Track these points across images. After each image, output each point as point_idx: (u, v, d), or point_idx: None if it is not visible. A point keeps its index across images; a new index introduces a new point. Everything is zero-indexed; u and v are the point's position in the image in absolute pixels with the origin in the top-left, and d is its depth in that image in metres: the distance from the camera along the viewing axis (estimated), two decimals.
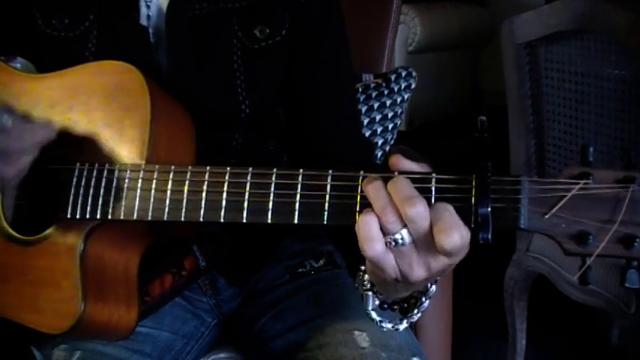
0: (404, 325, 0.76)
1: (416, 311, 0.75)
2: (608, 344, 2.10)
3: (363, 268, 0.74)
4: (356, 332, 0.92)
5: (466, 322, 1.88)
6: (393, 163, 0.70)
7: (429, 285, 0.74)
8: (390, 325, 0.76)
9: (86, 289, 0.83)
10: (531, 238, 1.73)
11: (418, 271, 0.68)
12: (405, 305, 0.76)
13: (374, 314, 0.76)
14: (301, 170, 0.73)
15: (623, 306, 1.47)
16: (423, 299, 0.74)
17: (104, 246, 0.85)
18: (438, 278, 0.74)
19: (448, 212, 0.65)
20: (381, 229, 0.67)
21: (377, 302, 0.76)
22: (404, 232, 0.66)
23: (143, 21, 0.99)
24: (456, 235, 0.64)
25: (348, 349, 0.90)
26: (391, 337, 0.92)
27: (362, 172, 0.70)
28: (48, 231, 0.85)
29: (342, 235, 0.70)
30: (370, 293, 0.75)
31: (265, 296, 1.06)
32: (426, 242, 0.66)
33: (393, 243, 0.66)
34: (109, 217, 0.81)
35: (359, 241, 0.67)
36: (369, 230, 0.67)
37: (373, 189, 0.67)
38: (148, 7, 0.99)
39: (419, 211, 0.65)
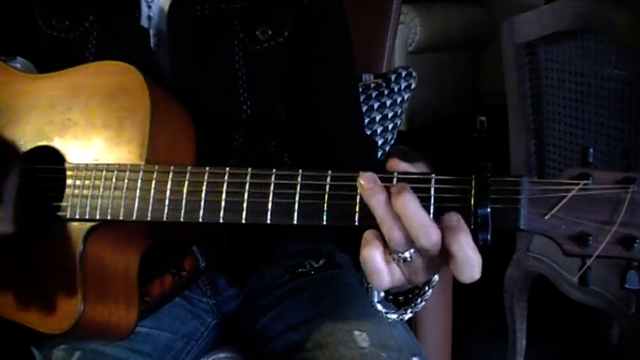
0: (408, 315, 0.76)
1: (419, 300, 0.75)
2: (608, 344, 2.10)
3: None
4: (356, 332, 0.92)
5: (466, 321, 1.88)
6: (391, 167, 0.70)
7: (432, 275, 0.74)
8: (395, 316, 0.76)
9: (86, 290, 0.83)
10: (531, 238, 1.73)
11: (424, 277, 0.69)
12: (410, 296, 0.75)
13: (379, 306, 0.76)
14: (300, 171, 0.72)
15: (623, 306, 1.47)
16: (427, 288, 0.74)
17: (104, 246, 0.84)
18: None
19: (464, 235, 0.64)
20: (388, 246, 0.67)
21: (382, 295, 0.75)
22: (412, 250, 0.66)
23: (144, 22, 0.99)
24: (475, 271, 0.64)
25: (348, 349, 0.91)
26: (391, 337, 0.92)
27: (361, 173, 0.70)
28: (48, 231, 0.85)
29: (345, 233, 0.70)
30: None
31: (265, 296, 1.06)
32: (437, 259, 0.66)
33: (402, 260, 0.67)
34: (109, 217, 0.81)
35: (366, 274, 0.68)
36: (374, 265, 0.67)
37: (377, 204, 0.66)
38: (150, 7, 0.99)
39: (433, 241, 0.64)
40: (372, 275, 0.67)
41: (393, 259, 0.67)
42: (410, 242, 0.65)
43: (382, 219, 0.66)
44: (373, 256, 0.66)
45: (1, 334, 0.94)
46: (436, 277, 0.74)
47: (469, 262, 0.64)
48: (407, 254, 0.66)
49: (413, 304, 0.75)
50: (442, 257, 0.66)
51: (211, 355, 1.08)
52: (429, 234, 0.64)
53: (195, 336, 1.07)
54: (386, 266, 0.67)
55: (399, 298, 0.76)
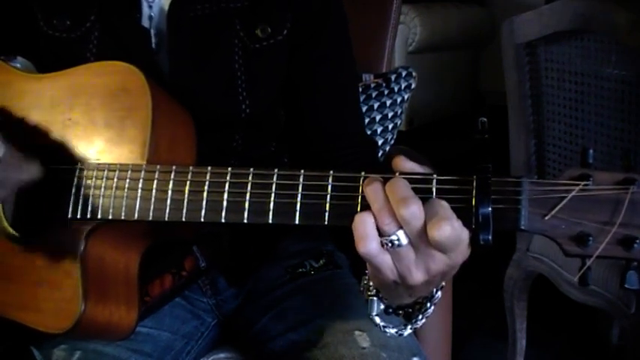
0: (408, 330, 0.76)
1: (420, 317, 0.75)
2: (608, 344, 2.10)
3: (367, 272, 0.74)
4: (356, 332, 0.93)
5: (466, 322, 1.88)
6: (395, 164, 0.70)
7: (434, 291, 0.74)
8: (393, 331, 0.77)
9: (87, 290, 0.83)
10: (531, 238, 1.73)
11: (417, 274, 0.68)
12: (410, 310, 0.76)
13: (378, 319, 0.76)
14: (302, 171, 0.73)
15: (623, 306, 1.47)
16: (428, 305, 0.74)
17: (105, 246, 0.85)
18: (443, 284, 0.73)
19: (442, 207, 0.66)
20: (378, 230, 0.67)
21: (382, 307, 0.76)
22: (400, 233, 0.66)
23: (145, 22, 0.99)
24: (446, 227, 0.64)
25: (348, 349, 0.91)
26: (391, 337, 0.92)
27: (363, 173, 0.70)
28: (49, 231, 0.85)
29: (344, 234, 0.70)
30: (375, 298, 0.75)
31: (265, 296, 1.06)
32: (423, 242, 0.66)
33: (390, 244, 0.66)
34: (110, 217, 0.81)
35: (354, 239, 0.68)
36: (364, 228, 0.67)
37: (371, 191, 0.68)
38: (150, 7, 0.99)
39: (413, 211, 0.65)
40: (360, 241, 0.67)
41: (384, 245, 0.67)
42: (397, 223, 0.66)
43: (373, 201, 0.67)
44: (365, 220, 0.67)
45: (1, 334, 0.94)
46: (439, 293, 0.74)
47: (441, 208, 0.65)
48: (394, 236, 0.66)
49: (413, 320, 0.76)
50: (428, 241, 0.65)
51: (211, 355, 1.08)
52: (408, 204, 0.65)
53: (195, 336, 1.07)
54: (376, 233, 0.67)
55: (399, 312, 0.76)
